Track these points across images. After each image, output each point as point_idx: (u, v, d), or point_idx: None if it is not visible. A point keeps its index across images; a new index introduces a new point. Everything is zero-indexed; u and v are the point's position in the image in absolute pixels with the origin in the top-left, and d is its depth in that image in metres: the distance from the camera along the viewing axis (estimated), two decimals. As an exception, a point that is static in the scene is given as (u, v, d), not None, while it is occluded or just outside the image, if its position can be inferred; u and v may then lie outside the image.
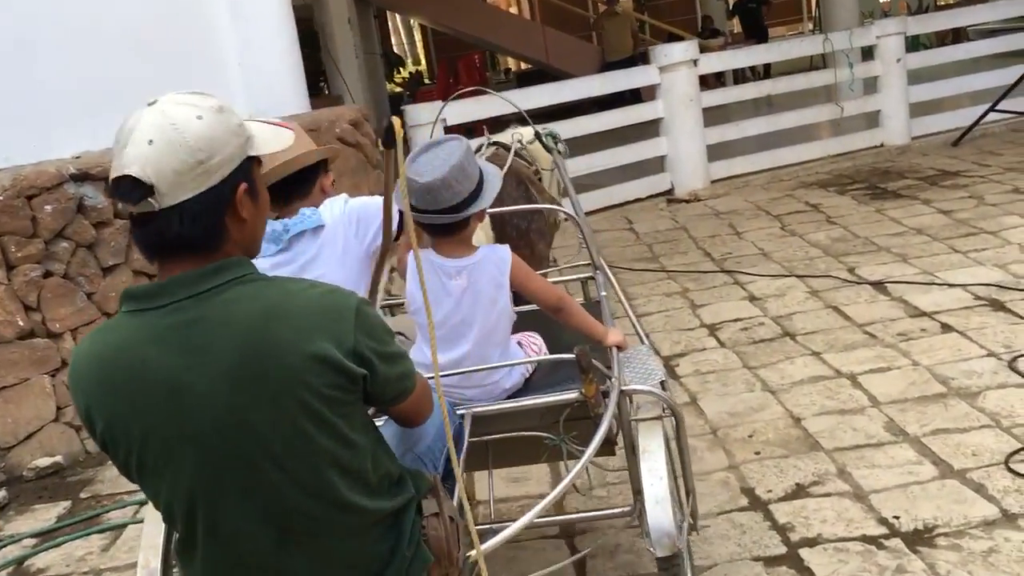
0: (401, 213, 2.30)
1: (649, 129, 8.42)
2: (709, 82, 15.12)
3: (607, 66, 12.93)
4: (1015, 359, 4.07)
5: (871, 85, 9.37)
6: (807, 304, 5.20)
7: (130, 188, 1.55)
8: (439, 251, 2.48)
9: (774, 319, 5.05)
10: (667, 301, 5.61)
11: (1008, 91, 8.61)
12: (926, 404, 3.83)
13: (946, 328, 4.57)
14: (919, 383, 4.03)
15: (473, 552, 1.86)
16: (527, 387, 2.62)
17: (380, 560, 1.75)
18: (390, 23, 23.33)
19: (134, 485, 1.76)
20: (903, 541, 2.95)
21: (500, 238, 3.94)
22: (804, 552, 2.97)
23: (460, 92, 5.61)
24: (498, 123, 5.72)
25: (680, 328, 5.13)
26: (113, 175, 1.58)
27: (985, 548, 2.85)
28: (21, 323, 4.47)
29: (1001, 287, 4.96)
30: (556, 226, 4.95)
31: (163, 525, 2.11)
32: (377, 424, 1.86)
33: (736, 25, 18.85)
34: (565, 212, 3.92)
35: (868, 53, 9.18)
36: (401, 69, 20.59)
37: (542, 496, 2.20)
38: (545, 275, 3.82)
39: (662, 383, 2.50)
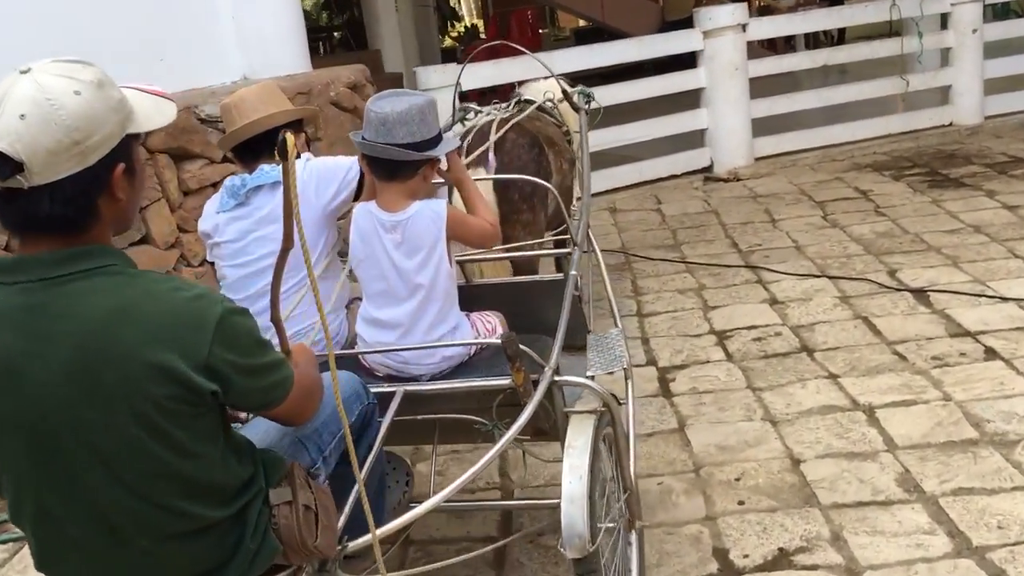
0: (362, 174, 2.63)
1: (689, 100, 7.74)
2: (778, 46, 14.30)
3: (667, 26, 12.16)
4: (1067, 402, 3.43)
5: (945, 57, 8.49)
6: (834, 313, 4.57)
7: None
8: (380, 202, 2.48)
9: (793, 329, 4.44)
10: (678, 299, 5.02)
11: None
12: (951, 452, 3.22)
13: (990, 354, 3.91)
14: (947, 423, 3.41)
15: (367, 536, 1.86)
16: (470, 365, 2.56)
17: (222, 555, 1.71)
18: (450, -26, 22.63)
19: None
20: (893, 646, 2.39)
21: (503, 202, 3.81)
22: (769, 649, 2.44)
23: (477, 49, 5.04)
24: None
25: (686, 334, 4.55)
26: None
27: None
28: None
29: (1062, 306, 4.29)
30: (570, 194, 4.50)
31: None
32: None
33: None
34: (542, 184, 3.53)
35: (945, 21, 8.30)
36: (455, 23, 19.92)
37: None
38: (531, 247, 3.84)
39: (625, 370, 2.52)
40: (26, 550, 3.29)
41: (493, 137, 3.95)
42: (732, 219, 6.41)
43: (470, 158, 3.82)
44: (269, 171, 2.67)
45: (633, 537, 2.67)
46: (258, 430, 1.99)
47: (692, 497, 3.17)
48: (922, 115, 8.24)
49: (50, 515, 1.62)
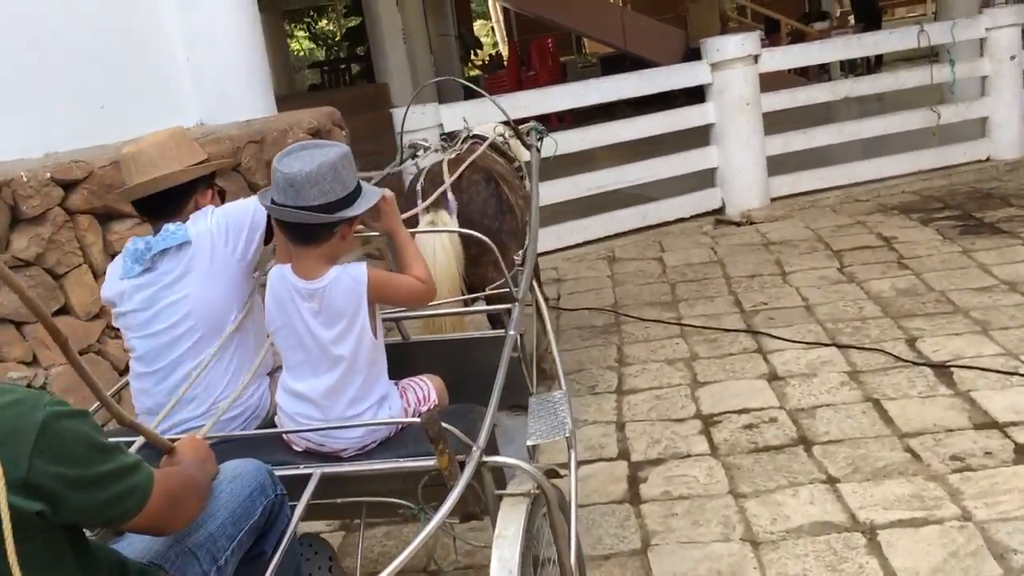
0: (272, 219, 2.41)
1: (698, 137, 7.16)
2: (811, 74, 13.67)
3: (692, 53, 11.60)
4: (1113, 529, 2.79)
5: (981, 86, 7.81)
6: (841, 393, 3.95)
7: None
8: (296, 269, 2.30)
9: (792, 413, 3.83)
10: (665, 373, 4.42)
11: None
12: (968, 597, 2.60)
13: (1021, 454, 3.28)
14: (963, 554, 2.78)
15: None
16: (397, 440, 2.36)
17: None
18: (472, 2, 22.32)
19: None
20: None
21: (472, 244, 3.62)
22: None
23: (428, 83, 4.65)
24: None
25: (668, 417, 3.96)
26: None
27: None
28: None
29: (1110, 391, 3.63)
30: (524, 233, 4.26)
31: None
32: None
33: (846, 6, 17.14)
34: (475, 235, 3.19)
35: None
36: (479, 52, 19.54)
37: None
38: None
39: (568, 438, 2.37)
40: None
41: (450, 177, 3.75)
42: (739, 271, 5.81)
43: (427, 202, 3.65)
44: (174, 232, 2.51)
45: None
46: (140, 539, 1.83)
47: (643, 651, 2.58)
48: (956, 149, 7.58)
49: None
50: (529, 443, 2.35)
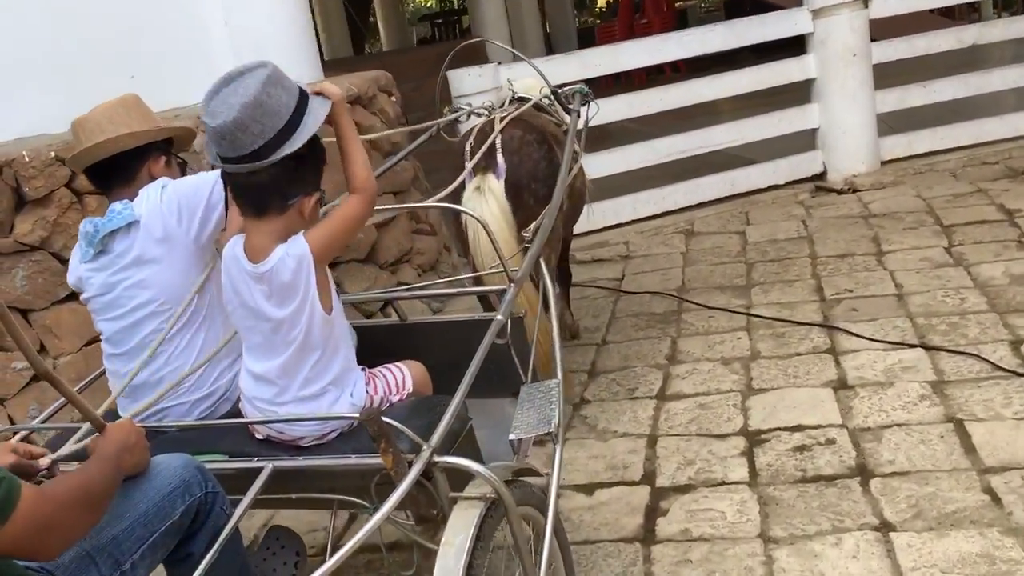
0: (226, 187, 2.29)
1: (796, 95, 6.42)
2: (958, 13, 12.34)
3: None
4: None
5: None
6: (918, 409, 3.33)
7: None
8: (247, 246, 2.14)
9: (854, 433, 3.25)
10: (716, 375, 3.88)
11: None
12: None
13: None
14: (1035, 647, 2.20)
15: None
16: (361, 430, 2.10)
17: None
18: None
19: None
20: None
21: (518, 210, 3.40)
22: None
23: (462, 45, 4.22)
24: (594, 84, 4.58)
25: (707, 432, 3.44)
26: None
27: None
28: None
29: None
30: (582, 192, 4.18)
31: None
32: None
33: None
34: (463, 211, 3.18)
35: None
36: (595, -1, 18.74)
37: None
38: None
39: (551, 434, 2.18)
40: None
41: (495, 136, 3.49)
42: (828, 249, 5.13)
43: (474, 160, 3.44)
44: (121, 211, 2.40)
45: None
46: None
47: None
48: (1108, 102, 6.55)
49: None
50: (511, 437, 2.17)
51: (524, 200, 3.45)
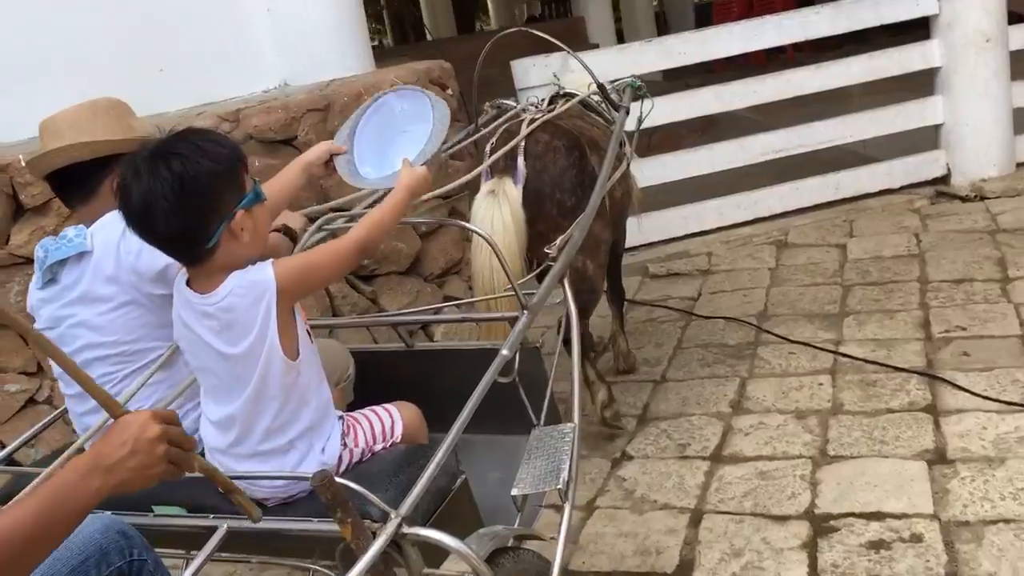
0: None
1: (915, 87, 5.61)
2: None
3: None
4: None
5: None
6: (1035, 500, 2.65)
7: None
8: (191, 278, 1.91)
9: (949, 529, 2.59)
10: (786, 433, 3.24)
11: None
12: None
13: None
14: None
15: None
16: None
17: None
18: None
19: None
20: None
21: (539, 220, 3.09)
22: None
23: (499, 35, 3.69)
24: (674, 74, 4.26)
25: (765, 512, 2.83)
26: None
27: None
28: None
29: None
30: (628, 199, 3.74)
31: None
32: None
33: None
34: (468, 228, 2.71)
35: None
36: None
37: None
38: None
39: (560, 491, 1.93)
40: None
41: (520, 139, 3.12)
42: (942, 272, 4.38)
43: (489, 161, 3.11)
44: (72, 239, 2.17)
45: None
46: None
47: None
48: None
49: None
50: (513, 492, 1.94)
51: (545, 210, 3.11)
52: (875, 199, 5.53)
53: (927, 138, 5.61)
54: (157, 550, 1.86)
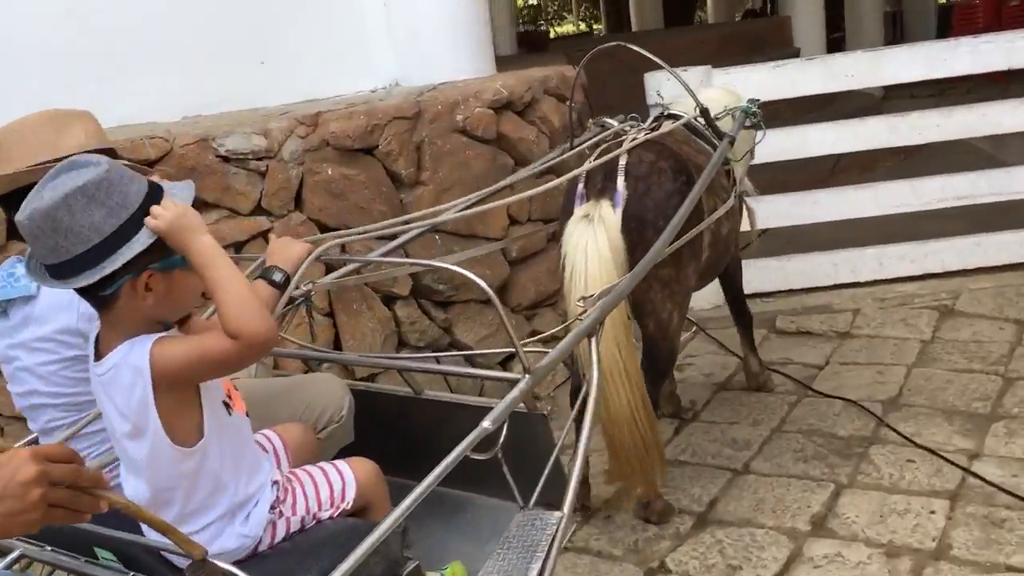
0: None
1: None
2: None
3: None
4: None
5: None
6: None
7: None
8: (99, 337, 1.71)
9: None
10: None
11: None
12: None
13: None
14: None
15: None
16: (275, 552, 1.80)
17: None
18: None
19: None
20: None
21: (635, 246, 2.74)
22: None
23: (596, 49, 3.27)
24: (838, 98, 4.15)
25: None
26: None
27: None
28: None
29: None
30: (732, 240, 3.38)
31: None
32: None
33: None
34: (455, 270, 2.20)
35: None
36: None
37: None
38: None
39: None
40: None
41: (623, 158, 2.85)
42: None
43: (570, 176, 2.83)
44: (20, 278, 2.01)
45: None
46: None
47: None
48: None
49: None
50: None
51: (647, 239, 2.73)
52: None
53: None
54: None
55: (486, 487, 2.09)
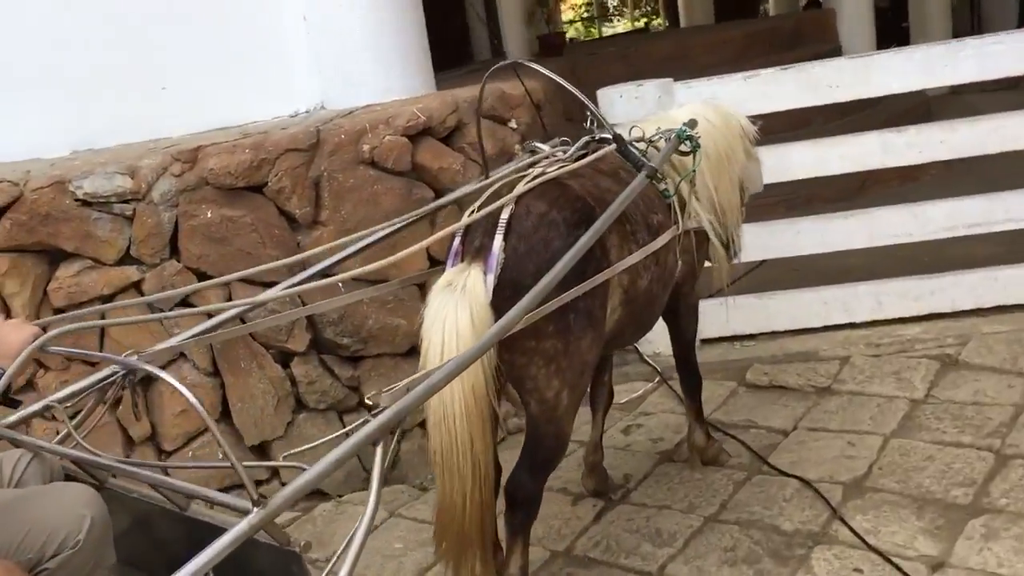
0: None
1: None
2: None
3: None
4: None
5: None
6: None
7: None
8: None
9: None
10: None
11: None
12: None
13: None
14: None
15: None
16: None
17: None
18: None
19: None
20: None
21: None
22: None
23: (493, 68, 2.74)
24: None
25: None
26: None
27: None
28: None
29: None
30: (662, 287, 2.80)
31: None
32: None
33: None
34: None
35: None
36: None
37: None
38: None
39: None
40: None
41: (505, 211, 2.35)
42: None
43: (439, 235, 2.39)
44: None
45: None
46: None
47: None
48: None
49: None
50: None
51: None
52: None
53: None
54: None
55: None
